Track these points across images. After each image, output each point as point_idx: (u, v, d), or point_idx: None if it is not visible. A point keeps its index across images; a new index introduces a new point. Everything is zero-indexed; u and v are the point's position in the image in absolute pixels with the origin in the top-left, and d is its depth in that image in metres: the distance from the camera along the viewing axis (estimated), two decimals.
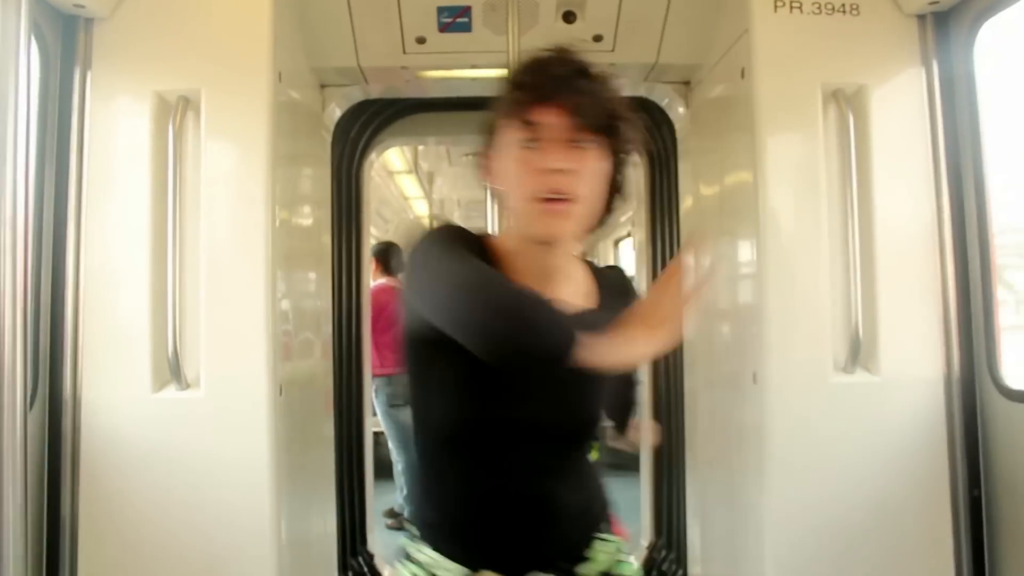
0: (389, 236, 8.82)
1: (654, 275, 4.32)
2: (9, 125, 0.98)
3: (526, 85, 1.50)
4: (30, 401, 2.65)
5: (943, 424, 2.82)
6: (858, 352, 2.78)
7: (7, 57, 1.00)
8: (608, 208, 1.57)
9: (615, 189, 1.56)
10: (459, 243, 1.48)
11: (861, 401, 2.80)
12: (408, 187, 8.46)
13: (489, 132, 1.57)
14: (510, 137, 1.49)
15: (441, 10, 3.26)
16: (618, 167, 1.54)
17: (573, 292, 1.61)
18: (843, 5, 2.87)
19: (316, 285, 3.58)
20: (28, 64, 1.00)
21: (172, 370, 2.70)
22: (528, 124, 1.46)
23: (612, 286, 1.71)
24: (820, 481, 2.77)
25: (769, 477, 2.80)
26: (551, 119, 1.45)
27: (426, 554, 1.57)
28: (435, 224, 1.60)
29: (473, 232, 1.58)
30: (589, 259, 1.74)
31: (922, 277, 2.87)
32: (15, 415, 0.92)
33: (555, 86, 1.47)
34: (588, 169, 1.47)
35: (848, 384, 2.80)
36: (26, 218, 0.97)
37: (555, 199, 1.44)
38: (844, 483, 2.77)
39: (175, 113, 2.75)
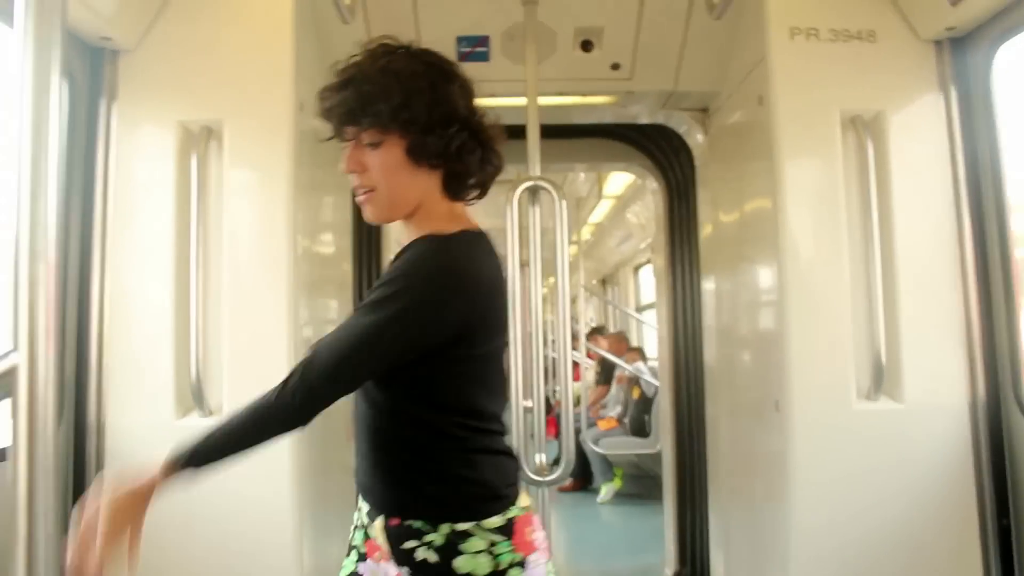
0: None
1: (674, 301, 4.32)
2: (42, 161, 1.01)
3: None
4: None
5: (969, 451, 2.79)
6: (881, 379, 2.76)
7: (41, 93, 1.02)
8: (436, 150, 1.68)
9: (428, 141, 1.66)
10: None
11: (885, 428, 2.78)
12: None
13: None
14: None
15: (460, 40, 3.30)
16: (413, 145, 1.66)
17: None
18: (859, 32, 2.88)
19: (337, 312, 3.60)
20: (60, 99, 1.02)
21: (195, 397, 2.72)
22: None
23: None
24: (845, 510, 2.74)
25: (793, 505, 2.77)
26: (329, 132, 1.73)
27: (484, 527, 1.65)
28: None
29: None
30: (426, 237, 1.71)
31: (944, 302, 2.85)
32: (47, 443, 0.94)
33: (320, 102, 1.73)
34: (370, 162, 1.68)
35: (871, 411, 2.78)
36: (57, 250, 0.99)
37: (361, 194, 1.71)
38: (869, 512, 2.74)
39: (198, 143, 2.79)
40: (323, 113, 1.72)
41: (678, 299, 4.28)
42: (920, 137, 2.90)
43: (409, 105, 1.65)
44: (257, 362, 2.75)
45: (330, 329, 3.31)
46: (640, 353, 8.49)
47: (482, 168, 1.78)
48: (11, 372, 0.95)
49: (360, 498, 1.87)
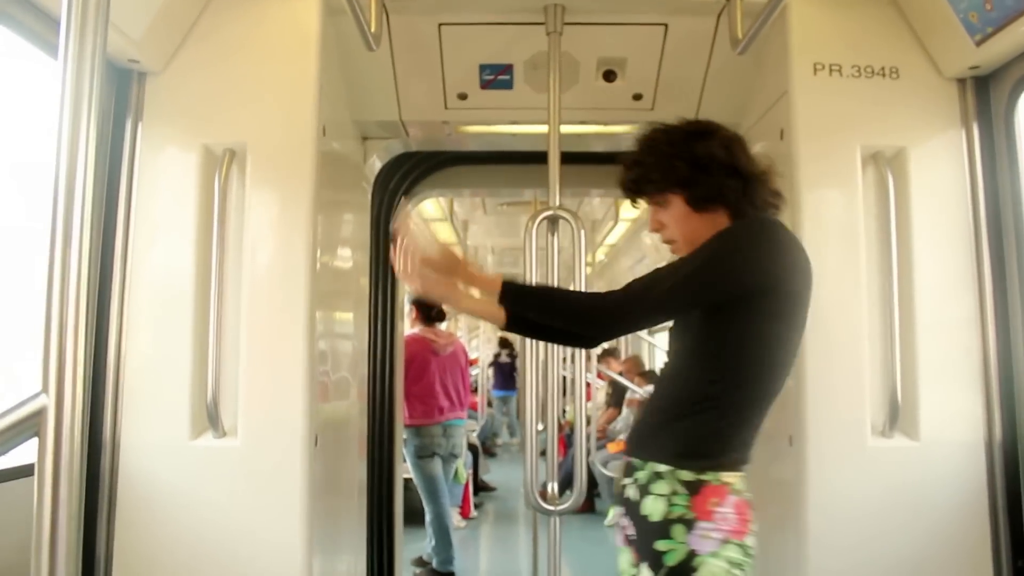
0: None
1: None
2: (79, 181, 1.02)
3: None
4: None
5: (985, 491, 2.77)
6: (897, 416, 2.75)
7: (79, 114, 1.04)
8: (708, 194, 2.10)
9: (698, 190, 2.11)
10: None
11: (900, 466, 2.76)
12: (443, 233, 8.55)
13: None
14: None
15: (483, 67, 3.32)
16: (692, 192, 2.11)
17: None
18: (882, 69, 2.89)
19: (354, 328, 3.62)
20: (96, 121, 1.04)
21: (210, 418, 2.73)
22: None
23: None
24: (858, 547, 2.72)
25: (806, 541, 2.75)
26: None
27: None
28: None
29: None
30: None
31: (962, 339, 2.84)
32: (72, 484, 0.95)
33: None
34: (665, 218, 2.16)
35: (886, 448, 2.77)
36: (89, 261, 1.01)
37: (671, 249, 2.19)
38: (883, 549, 2.72)
39: (221, 165, 2.81)
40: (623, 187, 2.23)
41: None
42: (941, 175, 2.89)
43: (673, 167, 2.10)
44: (273, 384, 2.77)
45: (346, 345, 3.37)
46: (652, 376, 8.48)
47: (763, 205, 2.15)
48: (39, 413, 0.96)
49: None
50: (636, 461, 2.03)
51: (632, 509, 1.97)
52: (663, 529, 1.91)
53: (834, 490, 2.75)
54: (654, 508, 1.92)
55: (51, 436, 0.97)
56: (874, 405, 2.79)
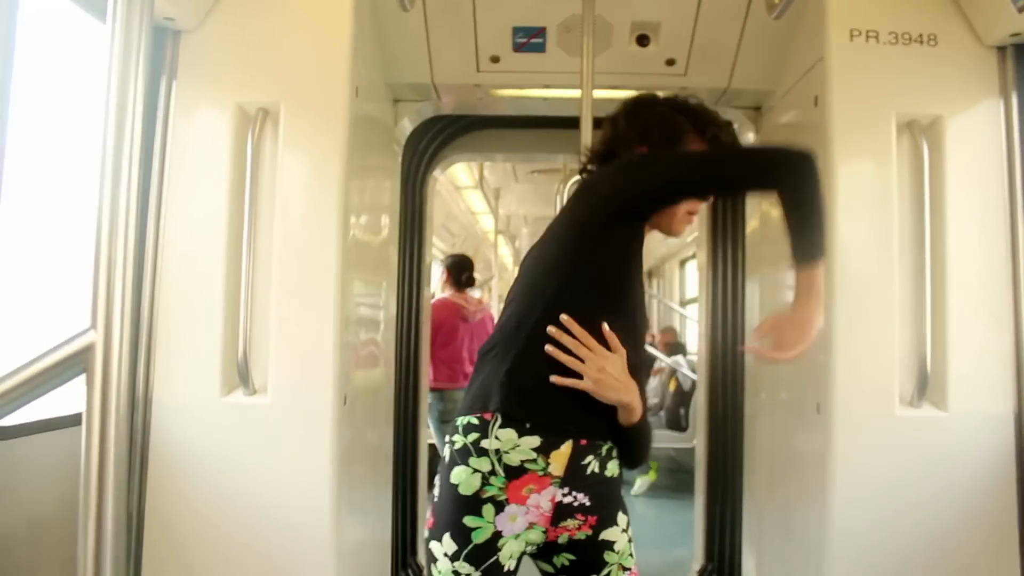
0: (456, 249, 8.89)
1: (714, 297, 4.29)
2: (125, 147, 1.04)
3: (702, 121, 2.14)
4: None
5: (1013, 462, 2.76)
6: (926, 386, 2.74)
7: (127, 72, 1.05)
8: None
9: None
10: None
11: (928, 436, 2.75)
12: (475, 202, 8.55)
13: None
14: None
15: (516, 30, 3.31)
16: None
17: None
18: (920, 35, 2.84)
19: (383, 294, 3.65)
20: (145, 77, 1.05)
21: (241, 375, 2.76)
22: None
23: None
24: (883, 516, 2.73)
25: (830, 510, 2.75)
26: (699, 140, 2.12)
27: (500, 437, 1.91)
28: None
29: None
30: None
31: (994, 311, 2.81)
32: (120, 421, 0.97)
33: (717, 133, 2.13)
34: None
35: (914, 418, 2.75)
36: (136, 232, 1.03)
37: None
38: (908, 520, 2.72)
39: (254, 124, 2.82)
40: None
41: (718, 295, 4.26)
42: (978, 144, 2.85)
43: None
44: (303, 342, 2.79)
45: (374, 309, 3.39)
46: (677, 348, 8.49)
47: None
48: (87, 350, 0.98)
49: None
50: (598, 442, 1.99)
51: (594, 479, 1.96)
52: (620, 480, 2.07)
53: (861, 460, 2.74)
54: (615, 467, 2.03)
55: (99, 372, 0.99)
56: (903, 375, 2.77)
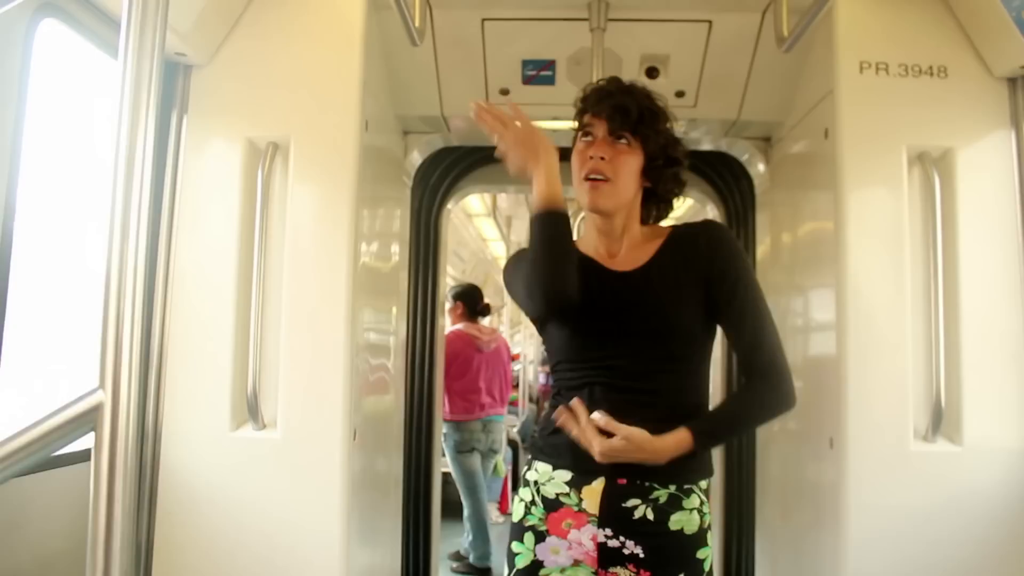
0: (466, 276, 8.89)
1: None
2: (136, 180, 1.04)
3: (584, 100, 2.09)
4: None
5: None
6: (940, 420, 2.71)
7: (138, 113, 1.06)
8: (654, 191, 2.09)
9: (651, 181, 2.06)
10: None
11: (943, 471, 2.72)
12: (486, 229, 8.56)
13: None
14: (577, 141, 2.08)
15: (526, 63, 3.32)
16: (650, 164, 2.03)
17: (627, 255, 2.07)
18: (930, 68, 2.84)
19: (393, 322, 3.65)
20: (155, 117, 1.06)
21: (251, 410, 2.76)
22: (582, 127, 2.06)
23: (680, 242, 2.08)
24: (898, 552, 2.69)
25: (845, 545, 2.72)
26: (595, 121, 2.03)
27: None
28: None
29: None
30: (676, 225, 2.17)
31: (1009, 344, 2.78)
32: (128, 479, 0.97)
33: (599, 99, 2.03)
34: (620, 158, 1.99)
35: (929, 453, 2.72)
36: (146, 257, 1.03)
37: (595, 179, 1.97)
38: (924, 556, 2.68)
39: (265, 158, 2.84)
40: (608, 108, 2.01)
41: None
42: (990, 176, 2.84)
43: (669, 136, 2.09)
44: (313, 377, 2.79)
45: (386, 340, 3.38)
46: None
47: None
48: (96, 409, 0.98)
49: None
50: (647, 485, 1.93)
51: (649, 528, 1.90)
52: (702, 538, 1.95)
53: (875, 495, 2.71)
54: (688, 521, 1.92)
55: (107, 431, 0.99)
56: (917, 409, 2.75)
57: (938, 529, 2.70)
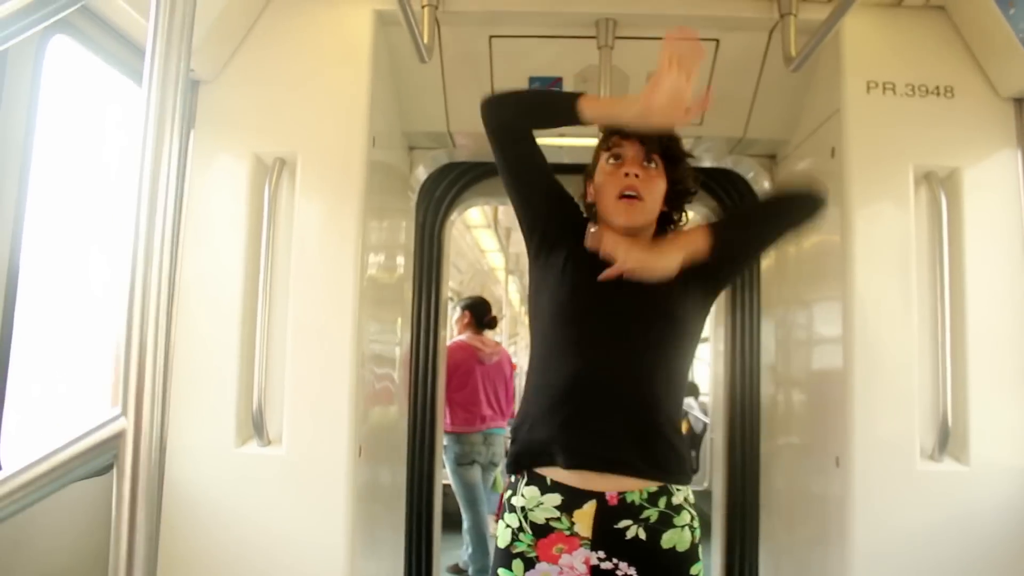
0: (463, 287, 8.88)
1: (732, 340, 4.28)
2: (160, 206, 1.06)
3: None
4: None
5: None
6: (947, 439, 2.71)
7: (162, 139, 1.07)
8: (669, 216, 2.16)
9: (668, 205, 2.13)
10: None
11: (949, 491, 2.71)
12: (484, 240, 8.57)
13: (588, 174, 2.20)
14: (603, 162, 2.11)
15: (533, 80, 3.31)
16: (673, 188, 2.11)
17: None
18: (937, 88, 2.85)
19: (398, 335, 3.65)
20: (182, 143, 1.07)
21: (256, 426, 2.75)
22: (610, 147, 2.10)
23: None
24: (903, 572, 2.69)
25: (850, 564, 2.71)
26: (625, 143, 2.07)
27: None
28: None
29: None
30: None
31: (1015, 363, 2.79)
32: (151, 506, 0.96)
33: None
34: (650, 179, 2.06)
35: (935, 472, 2.72)
36: (171, 283, 1.03)
37: (630, 196, 2.01)
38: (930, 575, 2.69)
39: (272, 174, 2.84)
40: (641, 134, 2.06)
41: (736, 336, 4.24)
42: (996, 195, 2.85)
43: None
44: (319, 393, 2.79)
45: (391, 353, 3.38)
46: (692, 387, 8.45)
47: None
48: (118, 436, 0.98)
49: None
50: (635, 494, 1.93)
51: (642, 548, 1.90)
52: (694, 554, 1.95)
53: (881, 514, 2.71)
54: (680, 539, 1.92)
55: (129, 459, 0.98)
56: (923, 428, 2.75)
57: (944, 548, 2.69)
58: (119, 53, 2.57)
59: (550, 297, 2.05)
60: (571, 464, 1.90)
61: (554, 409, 1.93)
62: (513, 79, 3.30)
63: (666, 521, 1.91)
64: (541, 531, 1.91)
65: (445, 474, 5.51)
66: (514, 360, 10.42)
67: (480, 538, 5.84)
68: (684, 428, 7.94)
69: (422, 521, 4.18)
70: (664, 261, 1.90)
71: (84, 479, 2.35)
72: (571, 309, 2.00)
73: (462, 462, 5.77)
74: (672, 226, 2.19)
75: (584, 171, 2.24)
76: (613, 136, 2.11)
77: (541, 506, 1.92)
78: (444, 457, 5.63)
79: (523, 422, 2.02)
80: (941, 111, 2.86)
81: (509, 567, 1.92)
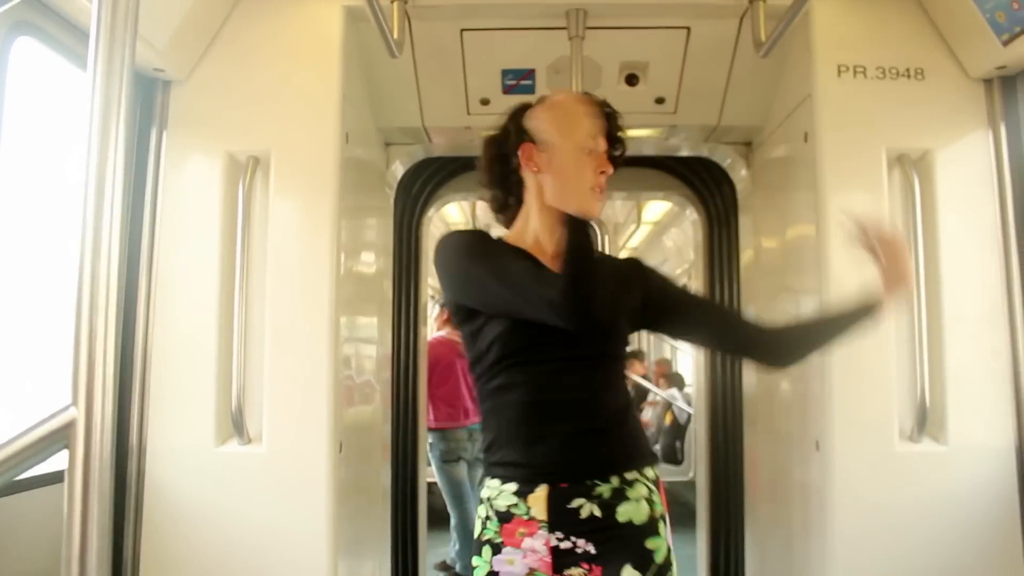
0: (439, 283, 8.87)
1: None
2: (107, 194, 1.03)
3: (596, 116, 2.01)
4: None
5: (1015, 496, 2.73)
6: (924, 420, 2.72)
7: (108, 126, 1.05)
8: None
9: None
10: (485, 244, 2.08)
11: (928, 472, 2.73)
12: None
13: (526, 139, 2.02)
14: (575, 146, 1.93)
15: (506, 72, 3.32)
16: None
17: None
18: (908, 70, 2.86)
19: (377, 332, 3.64)
20: (126, 132, 1.05)
21: (235, 425, 2.75)
22: (594, 141, 1.98)
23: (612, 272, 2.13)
24: (885, 552, 2.69)
25: (832, 546, 2.73)
26: (599, 135, 1.99)
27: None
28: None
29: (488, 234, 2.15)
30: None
31: (991, 343, 2.80)
32: (103, 497, 0.95)
33: (611, 114, 2.05)
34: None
35: (914, 453, 2.74)
36: (118, 273, 1.02)
37: (599, 190, 1.98)
38: (910, 556, 2.69)
39: (245, 172, 2.84)
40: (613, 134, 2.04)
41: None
42: (968, 176, 2.86)
43: None
44: (298, 391, 2.78)
45: (370, 350, 3.37)
46: (676, 379, 8.47)
47: None
48: (69, 426, 0.97)
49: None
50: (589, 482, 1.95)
51: (598, 524, 1.91)
52: (652, 528, 1.93)
53: (861, 496, 2.72)
54: (636, 511, 1.92)
55: (81, 448, 0.98)
56: (902, 410, 2.76)
57: (924, 527, 2.71)
58: (83, 52, 2.55)
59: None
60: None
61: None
62: (486, 72, 3.30)
63: (619, 495, 1.91)
64: (504, 517, 1.94)
65: (431, 472, 5.50)
66: None
67: (467, 535, 5.82)
68: (668, 419, 8.01)
69: (407, 518, 4.18)
70: None
71: (37, 488, 2.35)
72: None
73: (448, 459, 5.76)
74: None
75: (516, 133, 2.05)
76: (589, 118, 2.00)
77: (502, 494, 1.95)
78: (430, 454, 5.62)
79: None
80: (912, 93, 2.86)
81: (480, 554, 1.96)
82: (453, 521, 5.87)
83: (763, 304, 3.65)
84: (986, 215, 2.84)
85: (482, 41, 3.18)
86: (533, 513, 1.91)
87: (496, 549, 1.93)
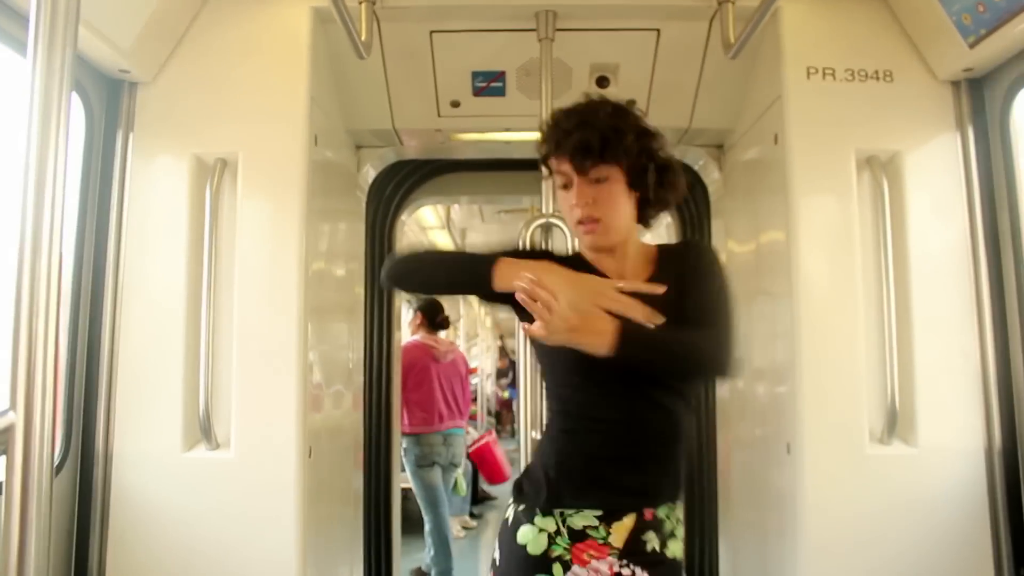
0: None
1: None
2: (48, 182, 1.00)
3: (547, 142, 1.92)
4: (63, 454, 2.70)
5: (985, 498, 2.75)
6: (895, 422, 2.73)
7: (48, 115, 1.02)
8: (648, 204, 1.95)
9: (639, 191, 1.91)
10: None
11: (898, 473, 2.73)
12: (441, 241, 8.52)
13: None
14: (557, 184, 1.94)
15: (476, 75, 3.30)
16: (634, 177, 1.88)
17: (629, 273, 1.97)
18: (876, 72, 2.87)
19: (348, 336, 3.61)
20: (67, 121, 1.01)
21: (203, 430, 2.72)
22: (558, 173, 1.91)
23: (670, 260, 2.03)
24: (856, 554, 2.70)
25: (804, 550, 2.73)
26: (566, 167, 1.88)
27: None
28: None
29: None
30: (663, 244, 2.13)
31: (960, 344, 2.82)
32: (42, 502, 0.93)
33: (561, 140, 1.87)
34: (602, 195, 1.87)
35: (885, 456, 2.74)
36: (60, 273, 0.99)
37: (586, 223, 1.88)
38: (881, 559, 2.69)
39: (213, 175, 2.81)
40: (571, 149, 1.86)
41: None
42: (937, 178, 2.87)
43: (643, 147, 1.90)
44: (266, 396, 2.76)
45: (341, 354, 3.34)
46: None
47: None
48: (7, 431, 0.94)
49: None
50: (663, 509, 1.95)
51: (656, 557, 1.91)
52: (681, 565, 1.99)
53: (832, 498, 2.72)
54: (678, 549, 1.97)
55: (19, 454, 0.95)
56: (872, 412, 2.76)
57: (895, 529, 2.71)
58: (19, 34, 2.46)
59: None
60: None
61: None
62: (456, 74, 3.29)
63: (673, 532, 1.96)
64: (577, 536, 1.89)
65: (405, 477, 5.47)
66: (474, 363, 10.30)
67: (442, 540, 5.80)
68: None
69: (381, 524, 4.14)
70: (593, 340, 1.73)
71: None
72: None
73: (422, 464, 5.73)
74: (658, 206, 1.99)
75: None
76: (550, 159, 1.93)
77: (580, 513, 1.90)
78: (404, 460, 5.59)
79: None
80: (881, 95, 2.87)
81: (550, 572, 1.88)
82: (428, 527, 5.84)
83: (739, 305, 3.64)
84: (955, 217, 2.85)
85: (452, 43, 3.17)
86: (611, 540, 1.89)
87: (566, 566, 1.89)
